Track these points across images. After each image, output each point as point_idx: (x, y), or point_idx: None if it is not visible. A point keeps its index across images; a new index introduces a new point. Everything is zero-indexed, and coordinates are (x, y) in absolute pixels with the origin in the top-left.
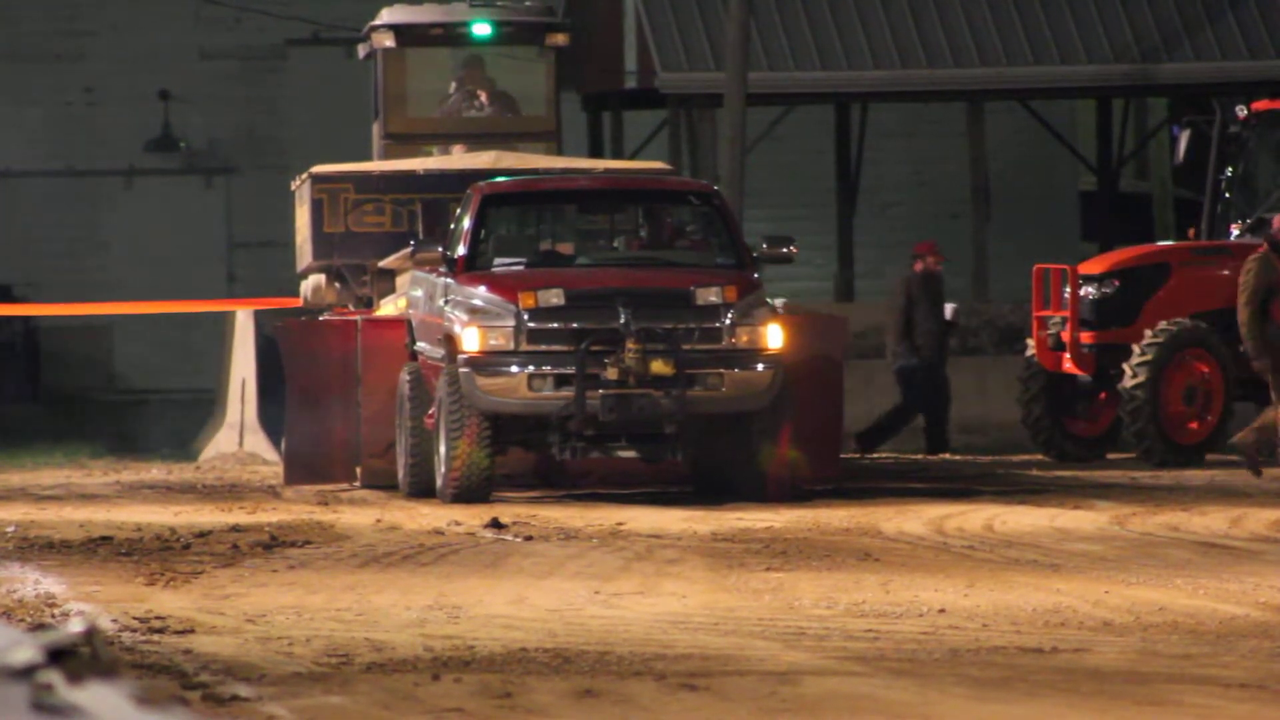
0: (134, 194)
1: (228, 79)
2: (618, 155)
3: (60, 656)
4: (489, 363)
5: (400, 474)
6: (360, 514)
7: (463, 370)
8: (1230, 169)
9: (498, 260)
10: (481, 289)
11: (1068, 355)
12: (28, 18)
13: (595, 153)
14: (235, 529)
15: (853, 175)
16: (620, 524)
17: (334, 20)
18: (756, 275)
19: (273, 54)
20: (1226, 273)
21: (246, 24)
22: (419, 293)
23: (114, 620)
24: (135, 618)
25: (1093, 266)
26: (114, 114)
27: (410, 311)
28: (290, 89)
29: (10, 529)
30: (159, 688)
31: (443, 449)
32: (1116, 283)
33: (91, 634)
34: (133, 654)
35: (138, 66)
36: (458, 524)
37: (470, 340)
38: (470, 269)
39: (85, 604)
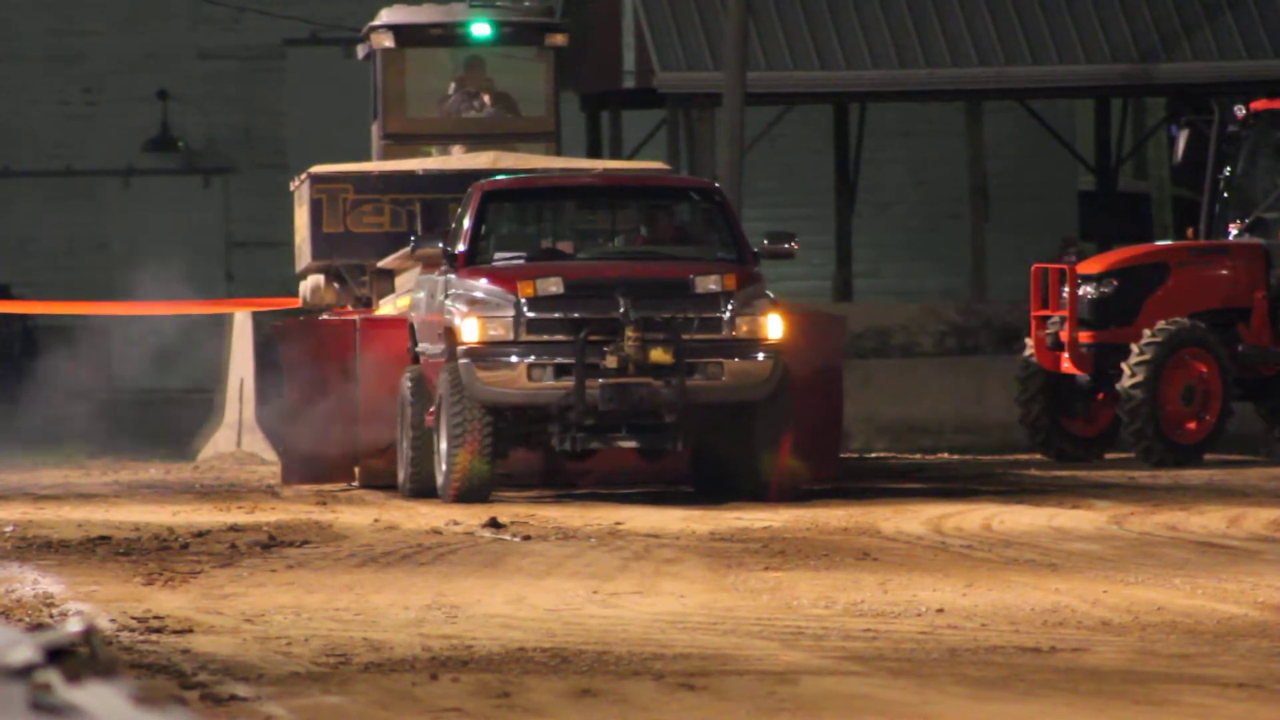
0: (132, 193)
1: (226, 79)
2: (616, 155)
3: (58, 656)
4: (488, 353)
5: (401, 477)
6: (358, 514)
7: (462, 361)
8: (1228, 169)
9: (498, 256)
10: (482, 281)
11: (1066, 355)
12: (27, 18)
13: (594, 153)
14: (233, 529)
15: (851, 175)
16: (618, 524)
17: (332, 20)
18: (757, 269)
19: (271, 54)
20: (1225, 272)
21: (245, 24)
22: (421, 294)
23: (112, 620)
24: (133, 617)
25: (1091, 266)
26: (113, 114)
27: (412, 314)
28: (288, 89)
29: (8, 528)
30: (157, 687)
31: (443, 447)
32: (1115, 282)
33: (90, 634)
34: (131, 654)
35: (136, 66)
36: (456, 524)
37: (470, 331)
38: (471, 265)
39: (83, 604)
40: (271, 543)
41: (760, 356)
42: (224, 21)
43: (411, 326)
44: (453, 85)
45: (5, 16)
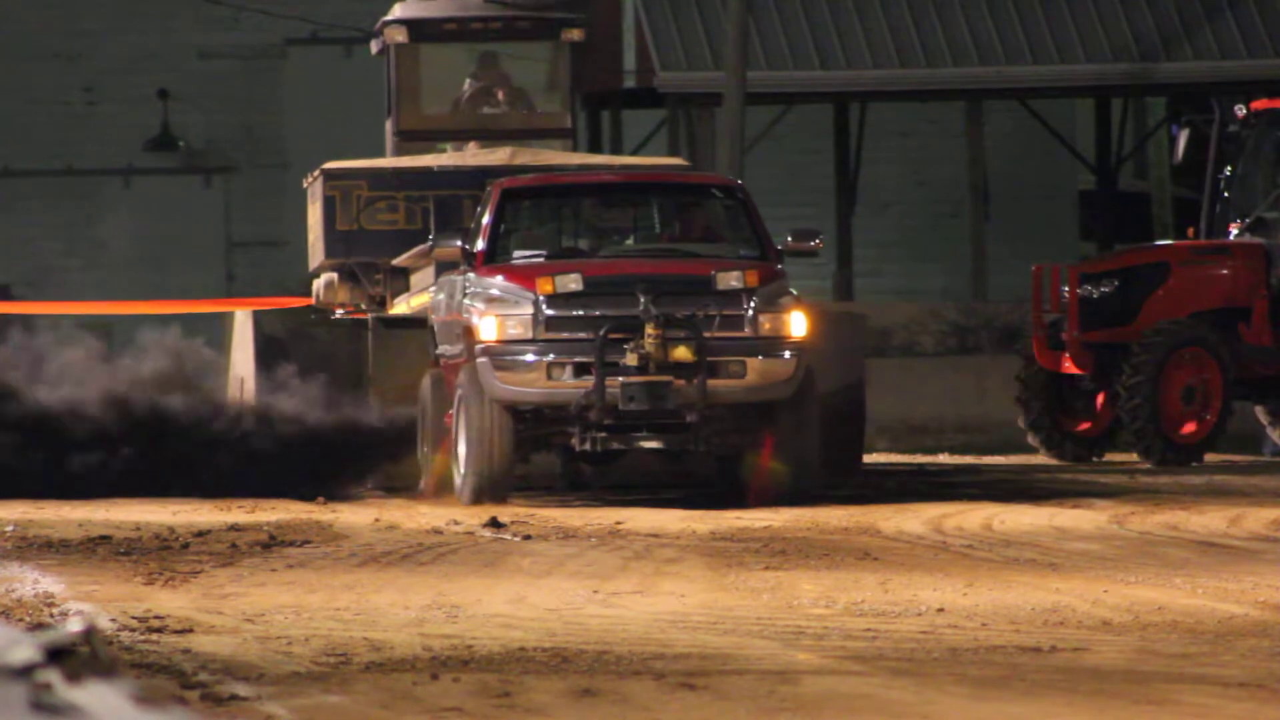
0: (133, 193)
1: (227, 78)
2: (617, 154)
3: (59, 656)
4: (507, 351)
5: (423, 480)
6: (359, 513)
7: (480, 360)
8: (1229, 168)
9: (517, 254)
10: (499, 279)
11: (1067, 354)
12: (28, 18)
13: (595, 152)
14: (234, 528)
15: (851, 174)
16: (619, 523)
17: (333, 19)
18: (780, 267)
19: (272, 53)
20: (1225, 272)
21: (245, 23)
22: (440, 295)
23: (112, 620)
24: (134, 617)
25: (1091, 266)
26: (113, 113)
27: (431, 316)
28: (289, 88)
29: (9, 528)
30: (157, 687)
31: (461, 448)
32: (1115, 282)
33: (90, 633)
34: (131, 653)
35: (137, 66)
36: (456, 523)
37: (488, 329)
38: (490, 264)
39: (84, 603)
40: (272, 542)
41: (785, 355)
42: (224, 21)
43: (431, 328)
44: (468, 81)
45: (5, 16)
